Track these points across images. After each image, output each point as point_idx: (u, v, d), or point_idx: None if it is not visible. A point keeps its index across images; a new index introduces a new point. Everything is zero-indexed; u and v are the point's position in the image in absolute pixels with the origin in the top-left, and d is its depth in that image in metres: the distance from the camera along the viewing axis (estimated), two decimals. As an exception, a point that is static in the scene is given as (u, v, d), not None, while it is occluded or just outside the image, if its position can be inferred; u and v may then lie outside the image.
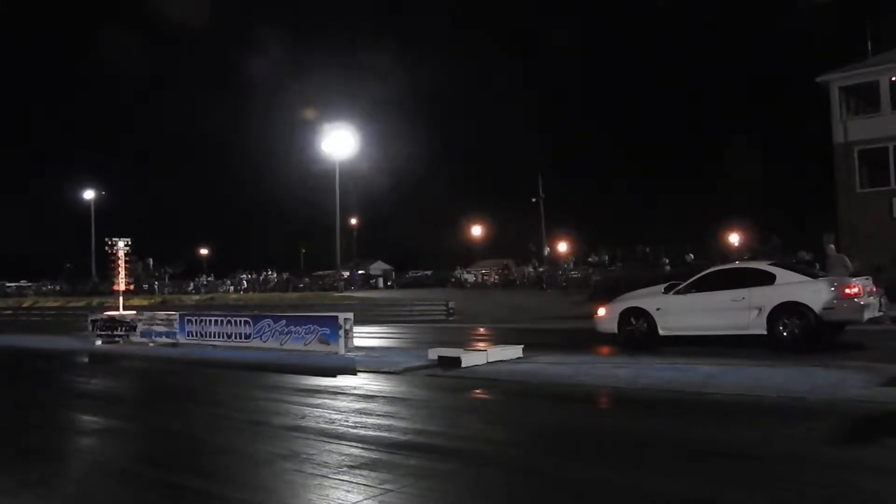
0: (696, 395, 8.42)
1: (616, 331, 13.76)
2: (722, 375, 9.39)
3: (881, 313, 12.80)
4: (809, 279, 12.61)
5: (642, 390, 8.92)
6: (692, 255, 34.10)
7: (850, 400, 7.69)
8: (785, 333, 11.96)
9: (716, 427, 7.04)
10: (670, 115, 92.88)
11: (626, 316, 13.69)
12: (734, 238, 43.79)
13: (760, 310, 12.15)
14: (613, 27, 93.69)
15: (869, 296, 12.33)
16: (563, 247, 54.48)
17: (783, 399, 7.92)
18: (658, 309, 13.30)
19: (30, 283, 66.05)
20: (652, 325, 13.28)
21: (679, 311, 13.07)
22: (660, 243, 39.23)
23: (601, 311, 14.31)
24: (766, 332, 12.11)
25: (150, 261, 53.26)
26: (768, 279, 12.49)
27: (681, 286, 13.44)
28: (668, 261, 34.33)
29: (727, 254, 34.94)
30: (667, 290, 13.64)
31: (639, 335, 13.38)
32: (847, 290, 11.93)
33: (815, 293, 12.03)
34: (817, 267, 19.92)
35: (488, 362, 11.75)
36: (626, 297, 14.64)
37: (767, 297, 12.20)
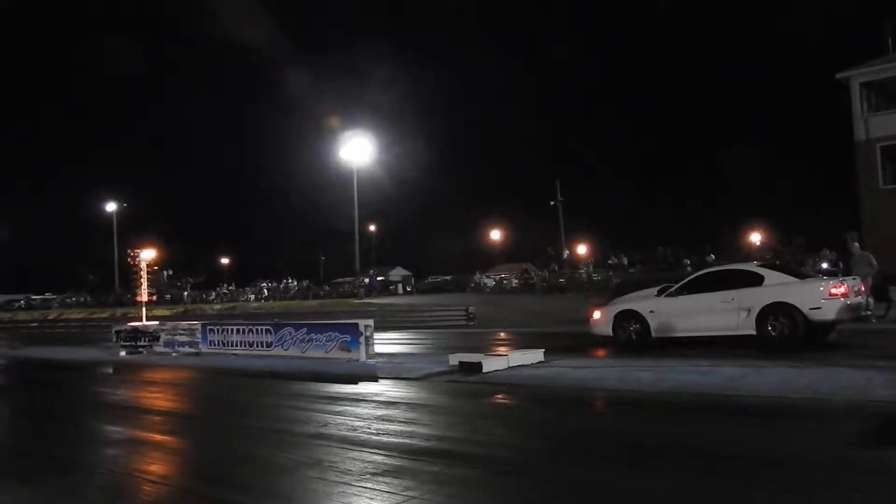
0: (720, 398, 8.33)
1: (611, 333, 13.87)
2: (745, 377, 9.30)
3: (868, 313, 12.77)
4: (797, 280, 12.73)
5: (666, 393, 8.84)
6: (713, 256, 33.78)
7: (877, 401, 7.57)
8: (774, 333, 12.05)
9: (741, 430, 6.96)
10: (690, 116, 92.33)
11: (620, 319, 13.80)
12: (756, 238, 43.40)
13: (749, 311, 12.22)
14: (629, 27, 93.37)
15: (857, 296, 12.30)
16: (582, 249, 54.29)
17: (809, 401, 7.82)
18: (651, 311, 13.41)
19: (54, 296, 66.91)
20: (645, 327, 13.40)
21: (670, 314, 13.14)
22: (681, 244, 38.95)
23: (596, 314, 14.44)
24: (755, 333, 12.14)
25: (170, 271, 53.69)
26: (757, 280, 12.56)
27: (673, 288, 13.50)
28: (689, 262, 34.05)
29: (749, 254, 34.62)
30: (660, 293, 13.74)
31: (632, 338, 13.45)
32: (834, 290, 11.98)
33: (802, 293, 12.11)
34: (841, 266, 19.73)
35: (509, 367, 11.72)
36: (620, 299, 14.82)
37: (756, 297, 12.27)
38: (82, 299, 61.38)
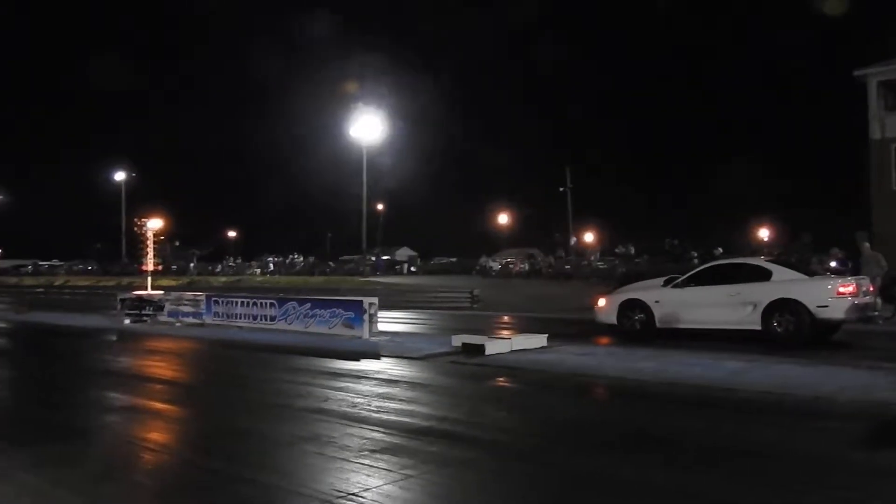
0: (721, 392, 8.28)
1: (615, 322, 13.80)
2: (748, 372, 9.24)
3: (875, 314, 12.66)
4: (805, 277, 12.62)
5: (667, 384, 8.80)
6: (721, 249, 33.66)
7: (880, 402, 7.50)
8: (779, 330, 11.94)
9: (740, 425, 6.93)
10: (703, 108, 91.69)
11: (625, 307, 13.73)
12: (764, 233, 43.22)
13: (755, 306, 12.11)
14: (643, 15, 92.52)
15: (865, 295, 12.20)
16: (589, 237, 54.18)
17: (811, 399, 7.76)
18: (656, 301, 13.32)
19: (62, 262, 67.30)
20: (650, 317, 13.31)
21: (676, 305, 13.06)
22: (689, 237, 38.85)
23: (601, 302, 14.36)
24: (760, 328, 12.07)
25: (177, 242, 53.82)
26: (764, 275, 12.45)
27: (679, 280, 13.41)
28: (696, 255, 33.94)
29: (757, 249, 34.48)
30: (666, 283, 13.65)
31: (636, 327, 13.40)
32: (842, 289, 11.87)
33: (809, 291, 11.99)
34: (850, 265, 19.61)
35: (512, 351, 11.69)
36: (626, 288, 14.72)
37: (762, 293, 12.16)
38: (89, 267, 61.69)
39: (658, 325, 13.23)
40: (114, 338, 17.18)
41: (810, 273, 13.24)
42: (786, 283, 12.22)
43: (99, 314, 22.53)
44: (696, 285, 13.08)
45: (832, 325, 12.34)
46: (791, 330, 11.84)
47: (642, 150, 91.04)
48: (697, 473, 5.19)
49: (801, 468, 5.30)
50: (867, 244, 16.74)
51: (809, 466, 5.34)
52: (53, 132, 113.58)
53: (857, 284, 12.13)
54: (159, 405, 8.58)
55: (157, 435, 6.99)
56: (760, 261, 13.50)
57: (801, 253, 28.21)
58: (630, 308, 13.66)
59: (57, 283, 52.04)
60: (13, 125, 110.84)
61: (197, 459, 6.01)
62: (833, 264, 21.45)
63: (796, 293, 11.95)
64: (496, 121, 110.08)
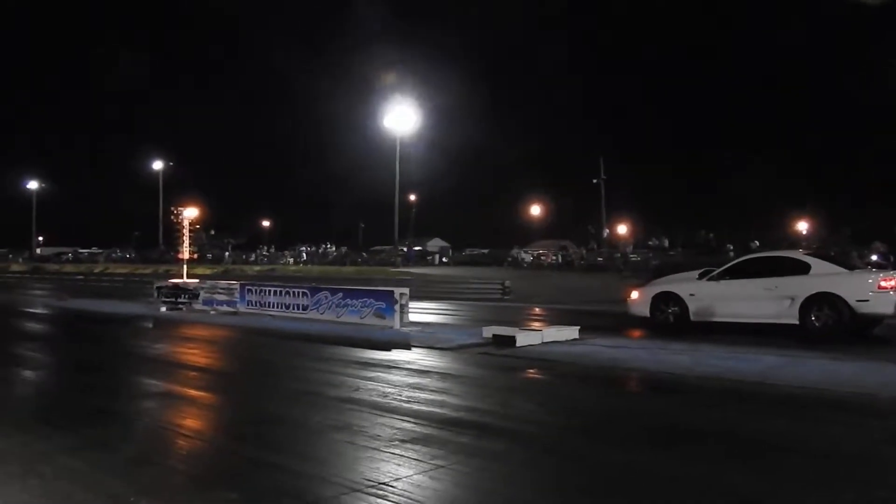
0: (757, 387, 8.14)
1: (648, 314, 13.69)
2: (786, 367, 9.08)
3: None
4: (845, 270, 12.30)
5: (702, 378, 8.68)
6: (757, 242, 33.15)
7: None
8: (818, 324, 11.73)
9: (777, 420, 6.79)
10: (739, 100, 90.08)
11: (658, 300, 13.62)
12: (803, 226, 42.42)
13: (793, 299, 11.90)
14: (677, 4, 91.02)
15: None
16: (622, 229, 53.66)
17: (851, 395, 7.59)
18: (691, 294, 13.17)
19: (101, 250, 68.68)
20: (684, 310, 13.17)
21: (711, 298, 12.89)
22: (724, 230, 38.29)
23: (634, 294, 14.24)
24: (797, 323, 11.84)
25: (212, 231, 54.53)
26: (803, 269, 12.21)
27: (715, 272, 13.23)
28: (731, 247, 33.45)
29: (794, 242, 33.86)
30: (701, 276, 13.48)
31: (670, 320, 13.26)
32: (884, 283, 11.59)
33: (849, 285, 11.74)
34: (892, 259, 19.14)
35: (543, 343, 11.64)
36: (659, 281, 14.57)
37: (801, 286, 11.94)
38: (127, 255, 62.85)
39: (692, 318, 13.09)
40: (150, 325, 17.48)
41: (850, 267, 12.94)
42: (825, 276, 11.97)
43: (136, 301, 22.97)
44: (731, 278, 12.90)
45: (873, 320, 12.07)
46: (830, 325, 11.61)
47: (678, 142, 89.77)
48: (730, 468, 5.10)
49: (838, 465, 5.19)
50: (909, 237, 16.33)
51: (847, 463, 5.23)
52: (93, 121, 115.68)
53: None
54: (194, 392, 8.71)
55: (191, 421, 7.10)
56: (799, 254, 13.25)
57: (840, 246, 27.65)
58: (664, 301, 13.53)
59: (96, 271, 53.11)
60: (53, 114, 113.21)
61: (230, 446, 6.09)
62: (874, 258, 21.00)
63: (836, 287, 11.71)
64: (530, 111, 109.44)
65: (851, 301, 11.50)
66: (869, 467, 5.14)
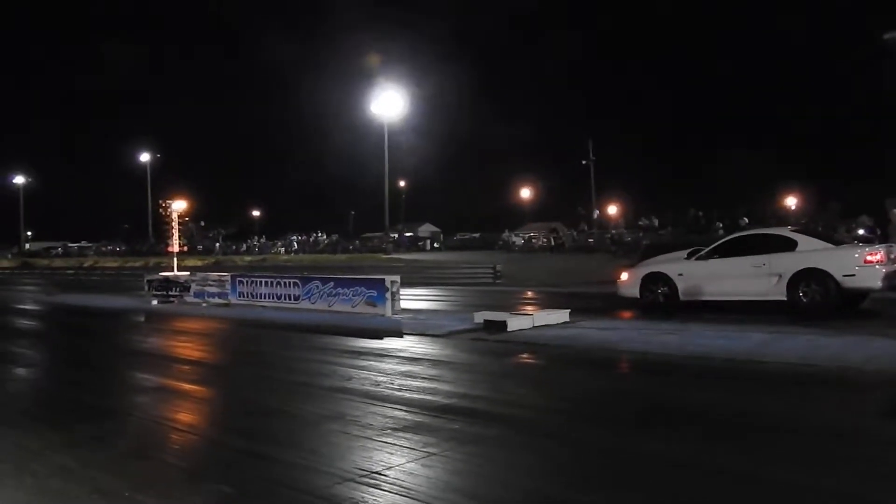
0: (747, 364, 8.23)
1: (638, 295, 13.80)
2: (774, 344, 9.16)
3: None
4: (832, 246, 12.47)
5: (692, 358, 8.75)
6: (746, 220, 33.28)
7: (909, 371, 7.42)
8: (805, 300, 11.88)
9: (766, 397, 6.87)
10: (726, 76, 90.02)
11: (648, 281, 13.72)
12: (791, 202, 42.58)
13: (781, 276, 12.04)
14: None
15: (893, 263, 12.00)
16: (612, 210, 53.74)
17: (838, 369, 7.68)
18: (680, 274, 13.28)
19: (90, 244, 68.33)
20: (673, 289, 13.29)
21: (700, 277, 13.01)
22: (713, 207, 38.38)
23: (624, 276, 14.32)
24: (785, 299, 12.00)
25: (202, 222, 54.32)
26: (790, 245, 12.34)
27: (703, 252, 13.34)
28: (721, 225, 33.57)
29: (783, 218, 34.02)
30: (689, 256, 13.59)
31: (659, 300, 13.36)
32: (869, 257, 11.74)
33: (836, 260, 11.88)
34: (878, 232, 19.26)
35: (534, 326, 11.69)
36: (648, 262, 14.68)
37: (788, 263, 12.08)
38: (117, 248, 62.57)
39: (682, 297, 13.19)
40: (142, 318, 17.46)
41: (836, 242, 13.07)
42: (811, 252, 12.08)
43: (127, 295, 22.92)
44: (720, 257, 13.00)
45: (859, 294, 12.20)
46: (817, 300, 11.74)
47: (665, 121, 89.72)
48: (722, 447, 5.17)
49: (828, 440, 5.26)
50: (895, 211, 16.47)
51: (836, 438, 5.30)
52: (79, 114, 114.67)
53: (884, 252, 11.94)
54: (186, 385, 8.72)
55: (184, 415, 7.12)
56: (785, 230, 13.35)
57: (828, 221, 27.81)
58: (653, 281, 13.62)
59: (86, 265, 52.92)
60: (40, 107, 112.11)
61: (223, 438, 6.12)
62: (861, 232, 21.13)
63: (822, 263, 11.82)
64: (518, 94, 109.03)
65: (838, 276, 11.62)
66: (860, 442, 5.21)
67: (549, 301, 17.25)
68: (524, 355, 9.85)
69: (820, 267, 11.80)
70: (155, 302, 20.22)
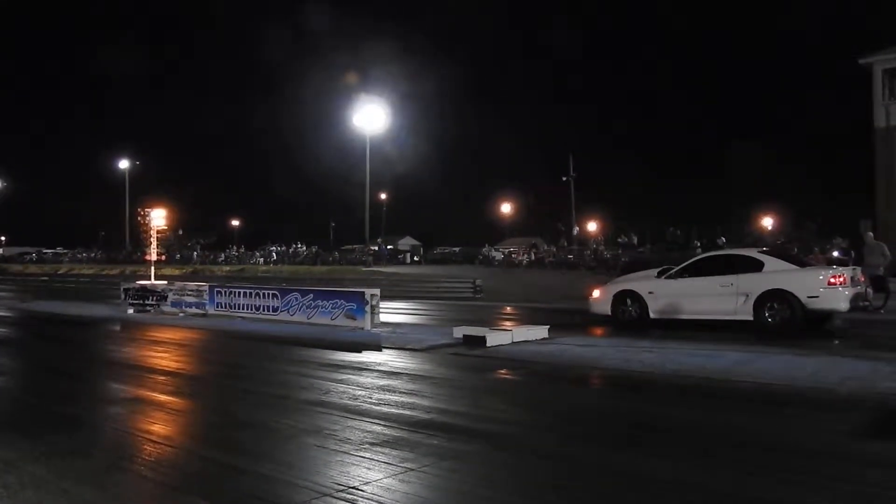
0: (724, 383, 8.32)
1: (610, 313, 13.91)
2: (750, 363, 9.27)
3: (867, 303, 12.72)
4: (797, 267, 12.77)
5: (670, 375, 8.83)
6: (724, 239, 33.62)
7: (881, 392, 7.54)
8: (771, 320, 12.16)
9: (743, 416, 6.95)
10: (706, 97, 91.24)
11: (619, 298, 13.88)
12: (768, 222, 43.11)
13: (747, 296, 12.32)
14: (643, 3, 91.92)
15: (855, 286, 12.28)
16: (592, 226, 54.08)
17: (813, 389, 7.79)
18: (650, 292, 13.48)
19: (66, 251, 67.47)
20: (644, 308, 13.45)
21: (670, 296, 13.21)
22: (693, 225, 38.73)
23: (596, 293, 14.47)
24: (752, 319, 12.23)
25: (180, 231, 53.87)
26: (757, 266, 12.63)
27: (673, 270, 13.53)
28: (699, 244, 33.89)
29: (760, 237, 34.40)
30: (660, 275, 13.76)
31: (631, 317, 13.50)
32: (833, 280, 12.04)
33: (800, 281, 12.16)
34: (852, 255, 19.56)
35: (513, 342, 11.73)
36: (620, 279, 14.89)
37: (754, 283, 12.36)
38: (93, 255, 61.82)
39: (652, 315, 13.39)
40: (117, 328, 17.25)
41: (803, 264, 13.36)
42: (777, 273, 12.35)
43: (103, 303, 22.66)
44: (689, 276, 13.21)
45: (823, 315, 12.46)
46: (782, 320, 12.03)
47: (647, 139, 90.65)
48: (699, 465, 5.21)
49: (804, 460, 5.32)
50: (870, 233, 16.75)
51: (812, 458, 5.36)
52: (57, 119, 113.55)
53: (847, 275, 12.20)
54: (163, 397, 8.62)
55: (160, 426, 7.03)
56: (753, 251, 13.61)
57: (804, 241, 28.18)
58: (624, 299, 13.79)
59: (61, 272, 52.20)
60: (17, 111, 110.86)
61: (199, 451, 6.06)
62: (836, 254, 21.43)
63: (787, 284, 12.10)
64: (500, 110, 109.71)
65: (802, 297, 11.89)
66: (833, 463, 5.26)
67: (528, 317, 17.30)
68: (503, 371, 9.86)
69: (785, 288, 12.08)
70: (131, 311, 20.00)
